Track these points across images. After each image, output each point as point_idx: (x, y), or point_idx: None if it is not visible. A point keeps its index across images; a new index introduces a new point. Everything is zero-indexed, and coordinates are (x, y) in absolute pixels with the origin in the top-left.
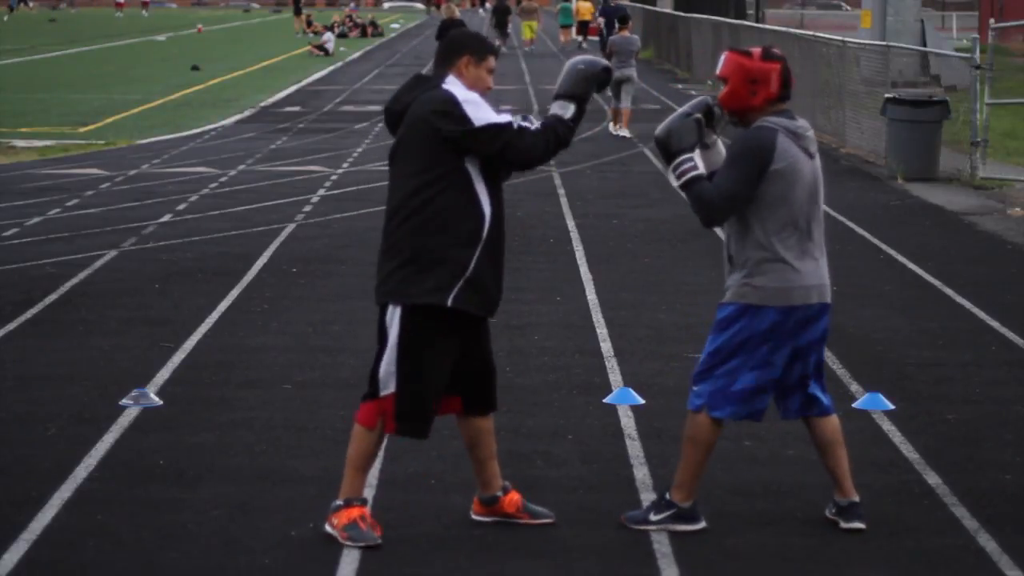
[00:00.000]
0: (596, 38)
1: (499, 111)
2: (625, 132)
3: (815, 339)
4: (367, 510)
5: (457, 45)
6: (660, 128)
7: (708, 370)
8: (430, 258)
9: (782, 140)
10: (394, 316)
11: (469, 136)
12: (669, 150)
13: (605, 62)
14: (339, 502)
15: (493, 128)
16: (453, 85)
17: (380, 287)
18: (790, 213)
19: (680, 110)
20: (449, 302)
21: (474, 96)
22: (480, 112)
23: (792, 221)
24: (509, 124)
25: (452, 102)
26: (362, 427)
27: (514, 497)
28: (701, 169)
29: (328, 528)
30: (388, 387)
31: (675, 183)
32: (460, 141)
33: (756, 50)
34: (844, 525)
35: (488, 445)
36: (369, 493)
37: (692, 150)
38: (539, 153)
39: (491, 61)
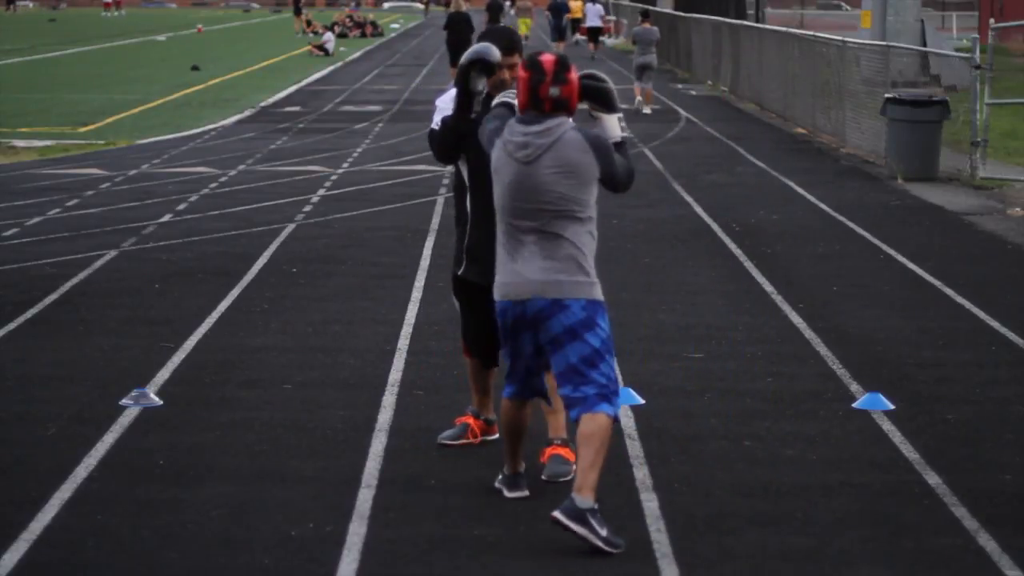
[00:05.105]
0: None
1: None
2: (648, 109)
3: (551, 338)
4: (476, 422)
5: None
6: None
7: None
8: (455, 237)
9: (504, 132)
10: None
11: None
12: None
13: (489, 55)
14: None
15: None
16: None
17: None
18: (496, 202)
19: None
20: (460, 272)
21: (443, 98)
22: (434, 116)
23: (499, 210)
24: (430, 129)
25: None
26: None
27: (547, 450)
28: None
29: None
30: None
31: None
32: None
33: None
34: (508, 494)
35: (555, 399)
36: (369, 493)
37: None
38: (434, 150)
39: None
